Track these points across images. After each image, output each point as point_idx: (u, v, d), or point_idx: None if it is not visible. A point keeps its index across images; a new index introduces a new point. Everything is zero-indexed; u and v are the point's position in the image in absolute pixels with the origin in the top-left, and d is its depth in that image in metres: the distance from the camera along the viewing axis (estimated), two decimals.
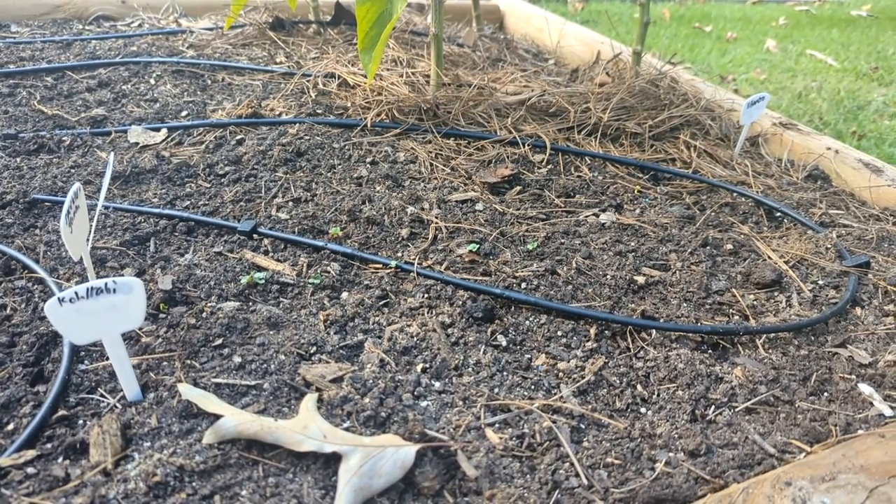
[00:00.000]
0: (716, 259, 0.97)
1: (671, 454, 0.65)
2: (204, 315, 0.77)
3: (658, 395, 0.73)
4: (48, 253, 0.87)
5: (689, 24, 3.54)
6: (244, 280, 0.83)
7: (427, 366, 0.73)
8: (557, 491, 0.60)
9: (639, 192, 1.15)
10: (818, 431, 0.69)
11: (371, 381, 0.69)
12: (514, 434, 0.65)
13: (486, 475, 0.61)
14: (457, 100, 1.30)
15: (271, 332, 0.75)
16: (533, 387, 0.72)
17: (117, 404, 0.65)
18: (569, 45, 1.93)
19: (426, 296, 0.84)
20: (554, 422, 0.67)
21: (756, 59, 2.85)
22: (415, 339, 0.76)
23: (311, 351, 0.73)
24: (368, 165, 1.12)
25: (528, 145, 1.22)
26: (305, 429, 0.60)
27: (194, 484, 0.56)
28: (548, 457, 0.63)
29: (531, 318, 0.82)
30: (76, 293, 0.57)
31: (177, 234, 0.93)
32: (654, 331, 0.81)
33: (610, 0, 4.08)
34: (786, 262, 0.98)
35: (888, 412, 0.72)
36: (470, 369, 0.74)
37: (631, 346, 0.80)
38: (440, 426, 0.65)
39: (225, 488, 0.56)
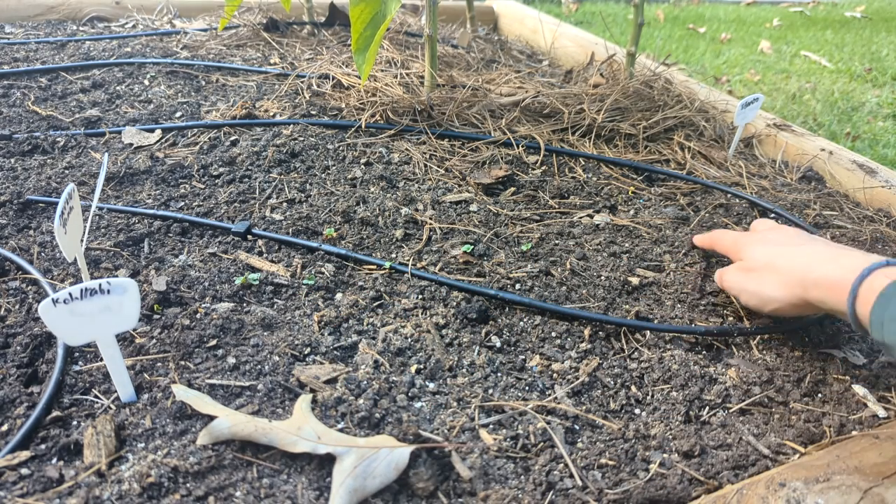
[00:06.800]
0: (710, 260, 0.97)
1: (665, 455, 0.65)
2: (198, 316, 0.77)
3: (652, 396, 0.73)
4: (42, 254, 0.87)
5: (683, 25, 3.55)
6: (238, 281, 0.83)
7: (421, 367, 0.73)
8: (552, 492, 0.60)
9: (633, 193, 1.15)
10: (812, 432, 0.69)
11: (365, 382, 0.69)
12: (509, 435, 0.66)
13: (481, 476, 0.61)
14: (451, 101, 1.30)
15: (265, 333, 0.75)
16: (527, 388, 0.72)
17: (111, 405, 0.65)
18: (563, 46, 1.94)
19: (420, 297, 0.84)
20: (548, 423, 0.67)
21: (750, 61, 2.86)
22: (409, 340, 0.76)
23: (306, 352, 0.73)
24: (363, 166, 1.13)
25: (523, 146, 1.22)
26: (299, 430, 0.60)
27: (188, 485, 0.56)
28: (542, 458, 0.63)
29: (525, 320, 0.82)
30: (70, 294, 0.57)
31: (171, 235, 0.93)
32: (648, 332, 0.82)
33: (604, 1, 4.09)
34: None
35: (882, 413, 0.72)
36: (464, 370, 0.74)
37: (625, 347, 0.80)
38: (434, 427, 0.65)
39: (219, 489, 0.56)
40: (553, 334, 0.80)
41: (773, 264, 0.76)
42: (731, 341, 0.82)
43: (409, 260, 0.91)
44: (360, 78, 1.33)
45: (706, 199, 1.15)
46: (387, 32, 1.74)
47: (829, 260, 0.70)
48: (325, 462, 0.60)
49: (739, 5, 4.39)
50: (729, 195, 1.16)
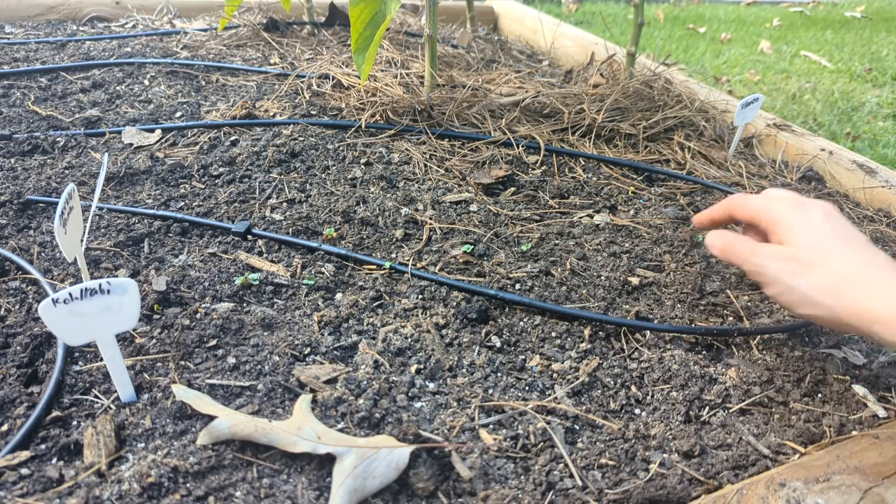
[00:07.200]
0: (710, 260, 0.97)
1: (665, 455, 0.65)
2: (198, 316, 0.77)
3: (652, 396, 0.73)
4: (42, 254, 0.87)
5: (683, 25, 3.55)
6: (238, 281, 0.83)
7: (421, 367, 0.73)
8: (552, 492, 0.60)
9: (633, 193, 1.15)
10: (812, 432, 0.69)
11: (365, 382, 0.69)
12: (509, 435, 0.66)
13: (481, 476, 0.61)
14: (451, 101, 1.30)
15: (265, 333, 0.75)
16: (527, 388, 0.72)
17: (111, 405, 0.65)
18: (563, 46, 1.94)
19: (420, 297, 0.84)
20: (548, 423, 0.67)
21: (750, 61, 2.86)
22: (409, 340, 0.76)
23: (306, 352, 0.73)
24: (363, 166, 1.13)
25: (523, 146, 1.22)
26: (299, 430, 0.60)
27: (188, 485, 0.56)
28: (542, 458, 0.63)
29: (525, 319, 0.82)
30: (70, 294, 0.57)
31: (171, 235, 0.93)
32: (648, 332, 0.82)
33: (604, 1, 4.09)
34: None
35: (882, 413, 0.72)
36: (464, 370, 0.74)
37: (625, 347, 0.80)
38: (434, 427, 0.65)
39: (219, 489, 0.56)
40: (553, 334, 0.80)
41: (828, 263, 0.65)
42: (731, 341, 0.82)
43: (409, 260, 0.91)
44: (360, 78, 1.33)
45: (706, 199, 1.15)
46: (387, 32, 1.74)
47: (887, 283, 0.61)
48: (325, 462, 0.60)
49: (739, 5, 4.39)
50: (729, 195, 1.16)
